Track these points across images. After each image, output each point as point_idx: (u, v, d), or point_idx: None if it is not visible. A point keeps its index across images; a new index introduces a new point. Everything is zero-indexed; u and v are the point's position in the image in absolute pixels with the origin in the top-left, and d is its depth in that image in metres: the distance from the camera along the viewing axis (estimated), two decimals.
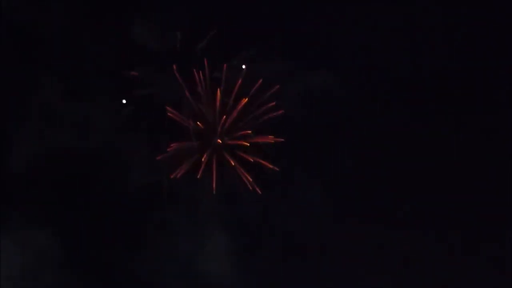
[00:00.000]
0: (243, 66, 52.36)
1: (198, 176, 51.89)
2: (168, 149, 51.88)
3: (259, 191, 52.22)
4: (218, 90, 52.26)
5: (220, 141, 52.89)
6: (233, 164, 52.39)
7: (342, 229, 52.16)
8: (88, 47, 52.42)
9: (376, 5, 52.35)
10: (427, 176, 52.79)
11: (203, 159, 52.01)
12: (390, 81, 53.34)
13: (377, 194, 52.81)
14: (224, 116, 52.59)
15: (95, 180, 52.29)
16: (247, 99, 52.25)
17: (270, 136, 52.37)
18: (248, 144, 52.51)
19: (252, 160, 52.34)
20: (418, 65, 52.96)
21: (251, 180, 52.07)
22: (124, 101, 52.53)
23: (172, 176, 51.73)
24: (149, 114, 52.50)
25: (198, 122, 52.60)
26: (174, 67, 51.97)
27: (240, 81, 52.13)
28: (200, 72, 52.39)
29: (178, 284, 52.26)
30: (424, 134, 53.09)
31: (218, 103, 52.43)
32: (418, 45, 53.08)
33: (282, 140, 52.31)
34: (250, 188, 52.14)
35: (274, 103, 52.14)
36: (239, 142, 52.70)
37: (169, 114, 52.09)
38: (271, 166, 52.23)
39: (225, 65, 52.22)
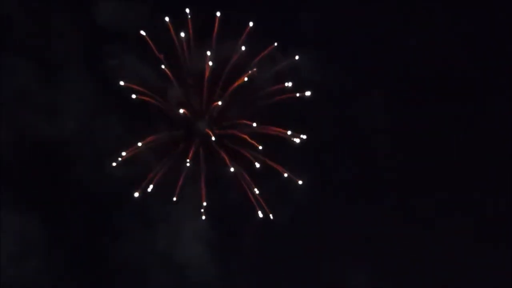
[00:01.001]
0: (243, 48, 49.62)
1: (175, 198, 49.74)
2: (145, 141, 49.88)
3: (271, 216, 50.67)
4: (207, 66, 49.19)
5: (211, 133, 50.06)
6: (232, 169, 49.93)
7: (340, 228, 52.28)
8: (69, 35, 51.59)
9: (378, 6, 52.42)
10: (427, 176, 52.83)
11: (180, 180, 49.21)
12: (390, 81, 53.34)
13: (377, 193, 52.85)
14: (217, 103, 49.28)
15: (73, 172, 51.33)
16: (255, 69, 49.16)
17: (283, 130, 49.76)
18: (260, 147, 49.44)
19: (258, 165, 49.42)
20: (419, 65, 53.01)
21: (257, 192, 49.75)
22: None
23: (138, 192, 49.63)
24: (130, 102, 50.20)
25: (183, 110, 49.79)
26: (162, 56, 49.98)
27: (235, 57, 49.57)
28: (187, 59, 50.22)
29: (158, 270, 51.88)
30: (424, 134, 53.09)
31: (206, 76, 49.32)
32: (418, 45, 53.07)
33: (304, 137, 49.91)
34: (258, 209, 50.20)
35: (291, 84, 49.69)
36: (242, 135, 49.90)
37: (140, 97, 49.55)
38: (291, 176, 49.80)
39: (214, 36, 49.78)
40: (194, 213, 51.09)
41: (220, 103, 50.15)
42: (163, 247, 51.78)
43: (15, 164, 51.09)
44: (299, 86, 50.83)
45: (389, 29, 52.70)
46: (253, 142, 50.10)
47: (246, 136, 50.27)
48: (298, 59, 50.99)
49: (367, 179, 52.97)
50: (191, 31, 50.28)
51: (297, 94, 50.25)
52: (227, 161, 50.46)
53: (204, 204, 50.39)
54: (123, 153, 50.03)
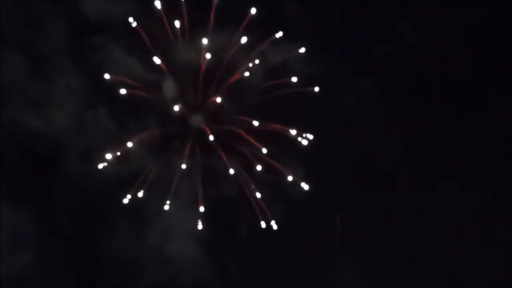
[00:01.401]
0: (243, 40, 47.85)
1: (167, 207, 49.00)
2: (138, 138, 48.55)
3: (275, 226, 50.26)
4: (202, 58, 47.26)
5: (207, 129, 48.61)
6: (231, 169, 48.84)
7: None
8: (57, 28, 50.60)
9: (379, 6, 52.37)
10: (427, 175, 52.75)
11: (175, 178, 48.43)
12: (390, 81, 53.29)
13: (377, 193, 52.75)
14: (214, 99, 47.66)
15: (65, 167, 50.67)
16: (257, 62, 47.31)
17: (282, 127, 48.80)
18: (264, 149, 48.34)
19: (260, 167, 48.53)
20: (418, 64, 52.99)
21: (258, 195, 49.15)
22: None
23: (130, 193, 48.83)
24: (122, 97, 48.86)
25: (178, 105, 48.26)
26: (154, 49, 48.18)
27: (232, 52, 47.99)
28: (182, 51, 48.47)
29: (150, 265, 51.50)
30: (424, 134, 53.10)
31: (202, 69, 47.62)
32: (418, 45, 53.06)
33: (311, 138, 49.43)
34: (261, 219, 49.68)
35: (296, 79, 48.69)
36: (239, 132, 48.73)
37: (132, 91, 48.09)
38: (295, 179, 49.41)
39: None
40: (191, 213, 50.76)
41: (218, 99, 48.64)
42: (158, 246, 51.36)
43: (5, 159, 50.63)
44: (298, 83, 50.54)
45: (389, 29, 52.68)
46: (249, 138, 49.18)
47: (242, 132, 49.22)
48: (295, 56, 50.41)
49: (366, 179, 52.89)
50: (186, 19, 48.61)
51: (313, 88, 49.87)
52: (225, 159, 49.58)
53: (202, 204, 49.96)
54: (116, 151, 48.82)
